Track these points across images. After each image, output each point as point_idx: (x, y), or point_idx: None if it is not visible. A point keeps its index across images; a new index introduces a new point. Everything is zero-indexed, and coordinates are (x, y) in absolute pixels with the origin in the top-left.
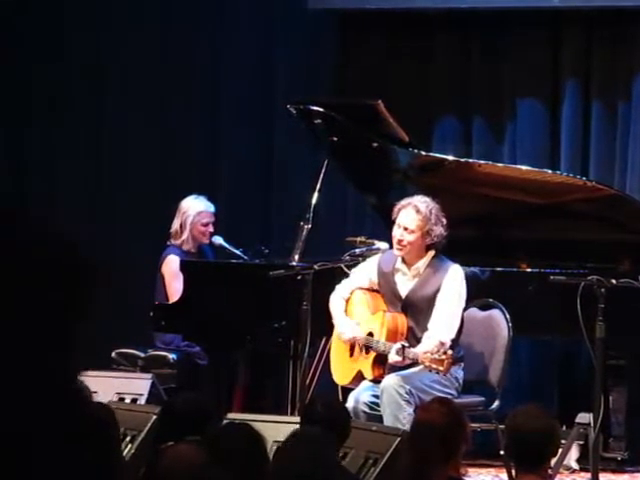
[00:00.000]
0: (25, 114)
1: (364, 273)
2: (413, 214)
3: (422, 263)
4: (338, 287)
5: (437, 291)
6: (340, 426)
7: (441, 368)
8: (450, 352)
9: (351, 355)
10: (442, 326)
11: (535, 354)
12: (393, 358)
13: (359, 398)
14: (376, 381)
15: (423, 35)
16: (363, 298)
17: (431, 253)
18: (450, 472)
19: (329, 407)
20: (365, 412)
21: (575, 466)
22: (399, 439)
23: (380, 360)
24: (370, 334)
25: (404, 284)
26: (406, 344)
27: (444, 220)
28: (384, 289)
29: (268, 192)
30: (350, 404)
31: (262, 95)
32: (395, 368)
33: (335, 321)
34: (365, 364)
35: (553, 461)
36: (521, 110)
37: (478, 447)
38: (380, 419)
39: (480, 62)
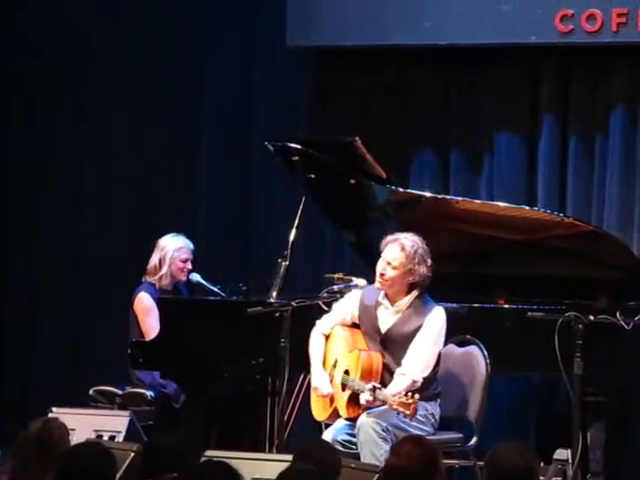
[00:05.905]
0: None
1: (346, 308)
2: (398, 251)
3: (405, 301)
4: (319, 322)
5: (417, 330)
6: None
7: (407, 412)
8: (417, 396)
9: None
10: (417, 364)
11: (513, 390)
12: (365, 398)
13: (335, 437)
14: (351, 419)
15: (401, 71)
16: (342, 335)
17: (415, 292)
18: None
19: (320, 447)
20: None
21: None
22: (377, 476)
23: (355, 399)
24: (346, 372)
25: (385, 319)
26: (378, 385)
27: (429, 261)
28: (365, 323)
29: (247, 229)
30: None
31: (241, 132)
32: (368, 407)
33: (312, 370)
34: (341, 402)
35: None
36: (499, 144)
37: None
38: (354, 457)
39: (458, 97)
